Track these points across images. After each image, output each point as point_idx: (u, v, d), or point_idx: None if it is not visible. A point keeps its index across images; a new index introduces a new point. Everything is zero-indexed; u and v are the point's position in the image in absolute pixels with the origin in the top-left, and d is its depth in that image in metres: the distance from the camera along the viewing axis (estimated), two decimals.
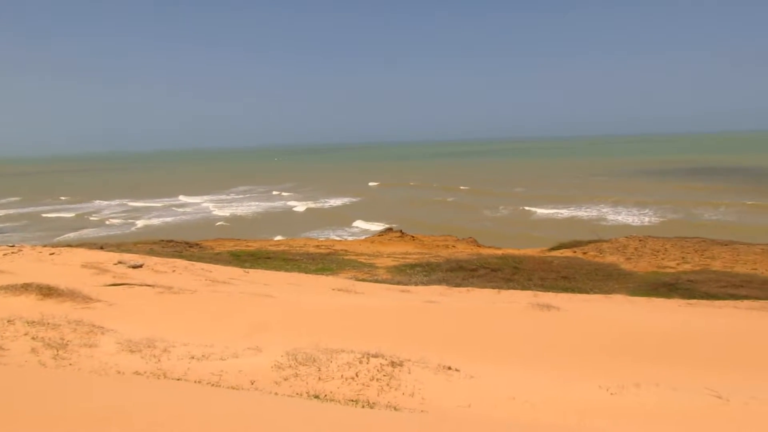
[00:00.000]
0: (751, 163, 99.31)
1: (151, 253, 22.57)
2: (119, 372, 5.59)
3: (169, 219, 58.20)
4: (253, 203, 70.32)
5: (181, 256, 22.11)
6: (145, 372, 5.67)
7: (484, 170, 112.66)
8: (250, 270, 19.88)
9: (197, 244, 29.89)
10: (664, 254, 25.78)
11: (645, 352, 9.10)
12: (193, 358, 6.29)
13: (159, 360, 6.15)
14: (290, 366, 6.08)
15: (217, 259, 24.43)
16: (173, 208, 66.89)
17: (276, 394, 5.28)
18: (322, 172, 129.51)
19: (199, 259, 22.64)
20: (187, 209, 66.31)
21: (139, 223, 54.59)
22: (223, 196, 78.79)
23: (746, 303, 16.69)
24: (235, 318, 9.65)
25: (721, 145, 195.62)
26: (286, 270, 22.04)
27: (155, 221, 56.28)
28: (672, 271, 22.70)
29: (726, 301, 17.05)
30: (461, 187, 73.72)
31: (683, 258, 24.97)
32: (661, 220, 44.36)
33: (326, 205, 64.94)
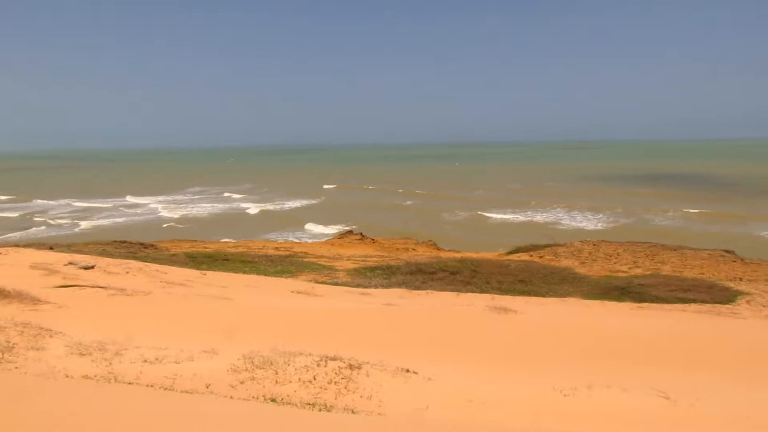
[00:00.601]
0: (705, 170, 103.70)
1: (104, 254, 21.84)
2: (67, 376, 5.39)
3: (119, 219, 55.84)
4: (205, 205, 68.21)
5: (135, 258, 21.47)
6: (95, 376, 5.48)
7: (439, 174, 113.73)
8: (207, 272, 19.48)
9: (152, 245, 29.11)
10: (616, 258, 26.65)
11: (597, 354, 9.38)
12: (146, 361, 6.12)
13: (110, 363, 5.96)
14: (247, 369, 5.99)
15: (172, 260, 23.84)
16: (121, 209, 64.48)
17: (232, 397, 5.20)
18: (278, 173, 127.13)
19: (154, 260, 22.05)
20: (137, 210, 63.99)
21: (84, 224, 52.16)
22: (175, 197, 76.03)
23: (693, 306, 17.42)
24: (190, 320, 9.45)
25: (676, 153, 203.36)
26: (245, 272, 21.70)
27: (102, 222, 53.96)
28: (624, 275, 23.48)
29: (675, 305, 17.75)
30: (418, 191, 74.21)
31: (635, 262, 25.88)
32: (614, 224, 45.79)
33: (283, 207, 64.00)
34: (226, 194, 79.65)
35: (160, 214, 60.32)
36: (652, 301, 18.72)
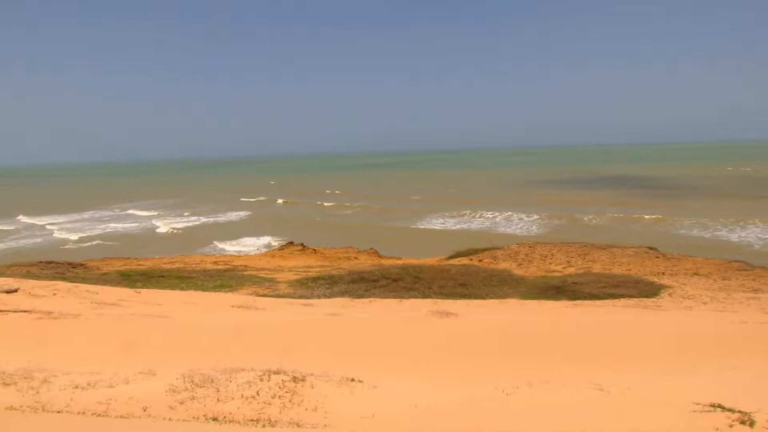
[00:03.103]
0: (638, 172, 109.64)
1: (29, 275, 20.54)
2: None
3: (11, 244, 49.03)
4: (115, 224, 61.23)
5: (63, 278, 20.32)
6: (20, 406, 5.16)
7: (377, 181, 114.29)
8: (142, 290, 18.70)
9: (82, 265, 27.65)
10: (551, 259, 27.68)
11: (537, 351, 9.71)
12: (77, 387, 5.82)
13: (37, 392, 5.63)
14: (186, 389, 5.81)
15: (104, 279, 22.74)
16: (17, 231, 57.30)
17: (170, 419, 5.03)
18: (210, 185, 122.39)
19: (84, 280, 20.96)
20: (34, 231, 56.77)
21: None
22: (83, 216, 68.65)
23: (622, 301, 18.36)
24: (125, 342, 9.05)
25: (608, 156, 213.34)
26: (182, 288, 21.00)
27: None
28: (559, 274, 24.42)
29: (605, 301, 18.64)
30: (358, 200, 74.31)
31: (568, 262, 26.97)
32: (549, 226, 47.57)
33: (219, 219, 61.28)
34: (132, 211, 72.30)
35: (55, 235, 53.65)
36: (585, 298, 19.57)
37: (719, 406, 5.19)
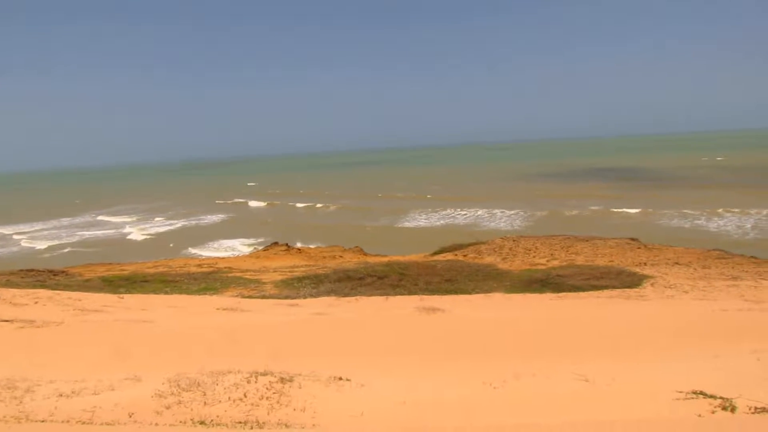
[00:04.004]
0: (619, 164, 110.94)
1: (8, 284, 20.19)
2: None
3: None
4: (101, 231, 59.18)
5: (44, 286, 20.01)
6: (4, 417, 5.08)
7: (360, 180, 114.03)
8: (126, 295, 18.50)
9: (63, 272, 27.25)
10: (535, 252, 27.93)
11: (523, 344, 9.81)
12: (61, 395, 5.74)
13: (21, 402, 5.54)
14: (173, 393, 5.77)
15: (87, 286, 22.43)
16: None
17: (157, 424, 4.99)
18: (190, 188, 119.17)
19: (66, 287, 20.65)
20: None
21: None
22: (59, 223, 66.44)
23: (606, 292, 18.60)
24: (109, 348, 8.95)
25: (589, 150, 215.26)
26: (166, 293, 20.81)
27: None
28: (543, 267, 24.65)
29: (589, 292, 18.87)
30: (342, 198, 74.13)
31: (552, 255, 27.23)
32: (532, 220, 47.98)
33: (201, 222, 60.18)
34: (105, 218, 69.46)
35: (25, 244, 51.60)
36: (569, 290, 19.78)
37: (701, 393, 5.29)
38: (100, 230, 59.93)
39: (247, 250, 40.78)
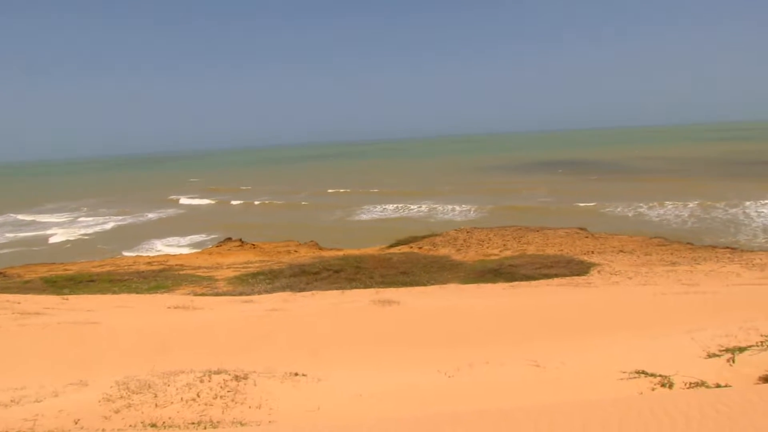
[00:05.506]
0: (573, 157, 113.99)
1: None
2: None
3: None
4: (36, 231, 52.55)
5: None
6: None
7: (315, 174, 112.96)
8: (70, 296, 17.80)
9: (1, 273, 25.93)
10: (488, 243, 28.48)
11: (477, 333, 10.01)
12: None
13: None
14: (122, 396, 5.59)
15: (27, 287, 21.45)
16: None
17: (105, 430, 4.83)
18: (137, 183, 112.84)
19: (4, 289, 19.71)
20: None
21: None
22: None
23: (556, 280, 19.20)
24: (52, 352, 8.59)
25: (545, 143, 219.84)
26: (114, 292, 20.14)
27: None
28: (496, 258, 25.18)
29: (540, 281, 19.43)
30: (295, 192, 73.28)
31: (504, 245, 27.83)
32: (486, 211, 48.76)
33: (150, 218, 56.34)
34: (23, 217, 62.38)
35: None
36: (521, 279, 20.32)
37: (643, 372, 5.55)
38: (21, 232, 53.46)
39: (202, 245, 39.68)
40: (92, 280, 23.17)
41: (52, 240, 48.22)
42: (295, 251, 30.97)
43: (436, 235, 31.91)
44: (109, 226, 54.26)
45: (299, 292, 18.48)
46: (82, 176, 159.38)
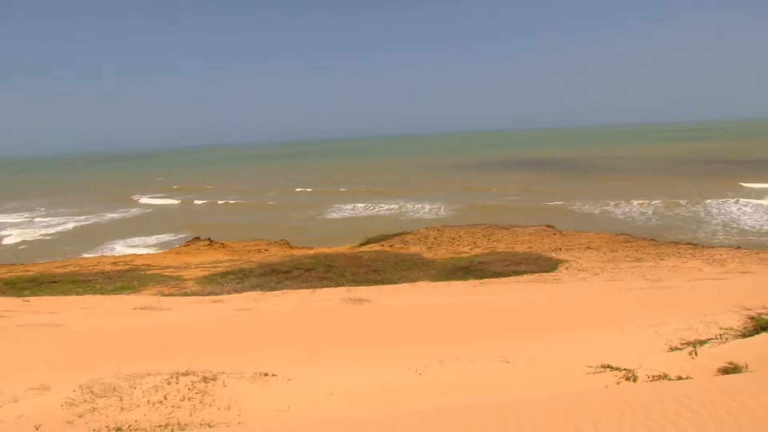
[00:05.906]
0: (545, 155, 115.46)
1: None
2: None
3: None
4: None
5: None
6: None
7: (282, 172, 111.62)
8: (31, 298, 17.25)
9: None
10: (459, 241, 28.71)
11: (447, 330, 10.08)
12: None
13: None
14: (85, 401, 5.46)
15: None
16: None
17: None
18: (101, 182, 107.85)
19: None
20: None
21: None
22: None
23: (525, 277, 19.49)
24: (12, 356, 8.32)
25: (519, 141, 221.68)
26: (78, 294, 19.60)
27: None
28: (466, 255, 25.40)
29: (510, 278, 19.69)
30: (265, 191, 72.36)
31: (474, 243, 28.11)
32: (456, 209, 49.09)
33: (114, 217, 54.26)
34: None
35: None
36: (491, 276, 20.54)
37: (608, 366, 5.68)
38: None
39: (169, 244, 38.79)
40: (55, 281, 22.51)
41: (6, 241, 45.48)
42: (266, 250, 30.66)
43: (407, 233, 32.01)
44: (70, 226, 51.48)
45: (270, 291, 18.31)
46: (44, 174, 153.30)
